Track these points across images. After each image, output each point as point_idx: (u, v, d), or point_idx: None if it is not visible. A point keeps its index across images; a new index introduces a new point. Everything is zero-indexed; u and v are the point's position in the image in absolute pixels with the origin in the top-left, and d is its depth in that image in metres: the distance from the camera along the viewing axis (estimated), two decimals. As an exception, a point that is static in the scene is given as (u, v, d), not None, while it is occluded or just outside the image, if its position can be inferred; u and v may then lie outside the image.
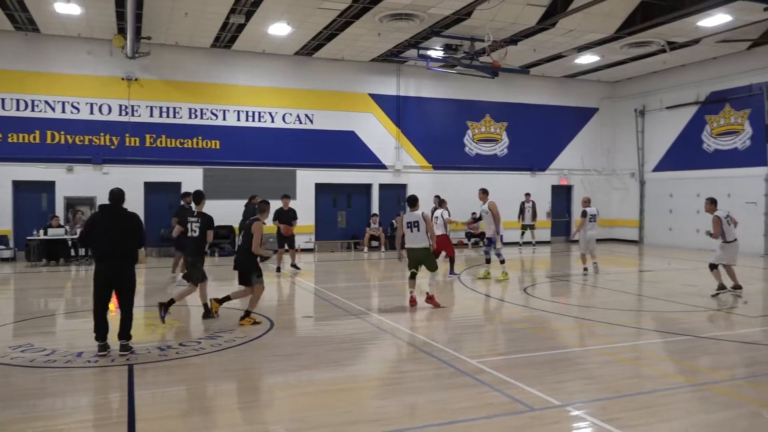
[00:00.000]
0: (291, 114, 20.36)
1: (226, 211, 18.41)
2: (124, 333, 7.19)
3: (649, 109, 23.35)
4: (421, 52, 19.16)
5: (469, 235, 22.03)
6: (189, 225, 9.56)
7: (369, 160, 21.31)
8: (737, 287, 11.54)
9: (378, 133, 21.41)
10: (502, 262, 13.39)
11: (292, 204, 15.57)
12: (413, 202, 10.57)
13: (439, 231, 12.98)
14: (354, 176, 21.12)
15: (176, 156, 19.02)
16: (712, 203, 11.79)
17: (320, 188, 20.73)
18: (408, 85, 21.79)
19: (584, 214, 14.57)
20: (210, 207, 12.90)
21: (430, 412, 5.36)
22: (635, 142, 23.79)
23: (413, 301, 10.34)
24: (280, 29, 17.21)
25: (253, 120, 19.94)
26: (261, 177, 19.64)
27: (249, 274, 8.96)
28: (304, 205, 20.04)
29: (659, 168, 23.01)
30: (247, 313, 8.95)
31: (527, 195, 21.76)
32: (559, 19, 16.01)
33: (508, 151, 23.29)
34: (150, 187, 18.79)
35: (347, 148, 20.96)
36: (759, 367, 6.88)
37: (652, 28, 16.77)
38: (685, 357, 7.26)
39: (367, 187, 21.60)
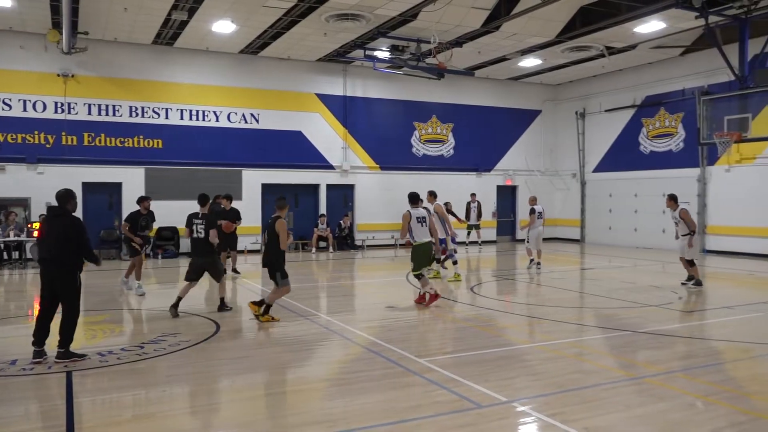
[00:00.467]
0: (236, 113, 20.06)
1: (170, 212, 17.98)
2: (62, 340, 6.93)
3: (589, 112, 24.10)
4: (368, 52, 19.21)
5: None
6: (194, 227, 9.69)
7: (316, 161, 21.21)
8: (692, 278, 12.53)
9: (325, 134, 21.33)
10: (455, 263, 13.59)
11: (237, 204, 15.43)
12: (416, 198, 10.58)
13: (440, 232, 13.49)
14: (301, 176, 20.99)
15: (116, 155, 18.45)
16: (672, 199, 12.56)
17: (267, 188, 20.50)
18: (355, 86, 21.80)
19: (533, 211, 15.45)
20: (152, 208, 12.59)
21: (379, 412, 5.38)
22: (576, 143, 24.51)
23: (437, 296, 10.39)
24: (224, 27, 16.93)
25: (197, 119, 19.55)
26: (206, 177, 19.27)
27: (274, 273, 8.97)
28: (251, 206, 19.78)
29: (599, 169, 23.77)
30: (267, 308, 9.02)
31: (473, 195, 22.11)
32: (503, 23, 16.33)
33: (454, 151, 23.59)
34: (89, 188, 18.15)
35: (294, 148, 20.80)
36: (693, 360, 7.20)
37: (591, 33, 17.32)
38: (625, 351, 7.52)
39: (315, 188, 21.50)
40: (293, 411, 5.46)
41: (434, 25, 16.37)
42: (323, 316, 9.75)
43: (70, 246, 6.91)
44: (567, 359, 7.14)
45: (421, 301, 10.48)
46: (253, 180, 20.16)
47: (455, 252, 13.83)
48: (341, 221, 21.35)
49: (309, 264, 18.02)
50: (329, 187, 21.55)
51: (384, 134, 22.30)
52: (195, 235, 9.64)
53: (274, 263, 9.01)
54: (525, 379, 6.40)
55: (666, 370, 6.65)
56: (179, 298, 9.56)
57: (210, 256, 9.68)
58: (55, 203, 7.22)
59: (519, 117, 24.84)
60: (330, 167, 21.46)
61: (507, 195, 24.87)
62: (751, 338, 8.19)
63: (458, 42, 18.01)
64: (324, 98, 21.32)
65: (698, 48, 19.11)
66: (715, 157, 18.89)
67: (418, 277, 10.41)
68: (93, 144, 18.21)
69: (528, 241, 15.69)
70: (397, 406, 5.52)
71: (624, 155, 22.64)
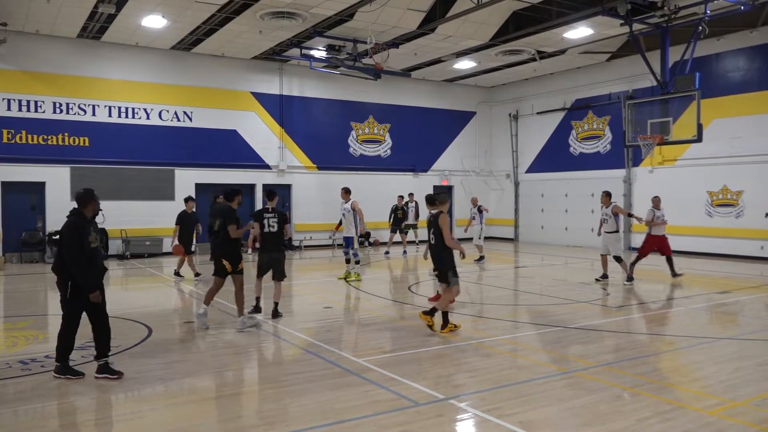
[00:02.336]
0: (168, 111, 19.50)
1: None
2: (100, 349, 6.47)
3: (522, 114, 24.76)
4: (304, 51, 19.08)
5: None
6: (266, 221, 9.52)
7: (252, 160, 20.89)
8: (606, 276, 13.06)
9: (261, 133, 21.05)
10: (357, 263, 13.66)
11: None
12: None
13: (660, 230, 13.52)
14: (237, 176, 20.60)
15: (39, 153, 17.58)
16: (607, 195, 13.25)
17: (201, 188, 20.00)
18: (291, 85, 21.61)
19: (481, 210, 17.13)
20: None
21: (318, 413, 5.35)
22: (510, 144, 25.12)
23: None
24: (154, 21, 16.42)
25: (127, 116, 18.88)
26: (136, 176, 18.66)
27: (446, 272, 8.47)
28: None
29: (531, 170, 24.46)
30: (445, 318, 8.44)
31: (410, 195, 22.29)
32: (438, 25, 16.55)
33: (391, 152, 23.74)
34: (9, 188, 17.24)
35: (229, 147, 20.42)
36: (620, 353, 7.51)
37: (523, 38, 17.80)
38: (556, 347, 7.77)
39: (251, 187, 21.16)
40: (231, 415, 5.36)
41: (370, 26, 16.41)
42: (260, 317, 9.62)
43: (64, 254, 6.29)
44: (502, 356, 7.31)
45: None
46: (187, 179, 19.64)
47: (359, 253, 13.87)
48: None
49: (245, 265, 17.68)
50: (266, 186, 21.25)
51: (321, 134, 22.20)
52: (267, 229, 9.52)
53: (444, 261, 8.47)
54: (462, 376, 6.51)
55: (595, 364, 6.91)
56: (257, 299, 9.71)
57: (280, 251, 9.56)
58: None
59: (455, 118, 25.25)
60: (266, 167, 21.19)
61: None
62: (674, 331, 8.62)
63: (394, 43, 18.13)
64: (260, 97, 21.03)
65: (623, 54, 19.96)
66: (639, 159, 19.78)
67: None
68: (13, 141, 17.29)
69: (481, 239, 17.19)
70: (335, 407, 5.51)
71: (555, 156, 23.39)
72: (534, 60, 20.65)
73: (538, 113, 23.98)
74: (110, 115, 18.64)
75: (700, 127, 14.23)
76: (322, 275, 15.22)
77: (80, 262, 6.17)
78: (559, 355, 7.39)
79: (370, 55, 17.38)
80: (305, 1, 14.82)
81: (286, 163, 21.45)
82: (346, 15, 15.93)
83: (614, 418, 5.22)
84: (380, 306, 10.91)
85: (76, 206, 6.48)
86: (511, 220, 25.26)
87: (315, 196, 21.88)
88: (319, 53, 19.20)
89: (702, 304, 10.79)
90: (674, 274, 13.42)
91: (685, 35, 15.63)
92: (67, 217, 6.42)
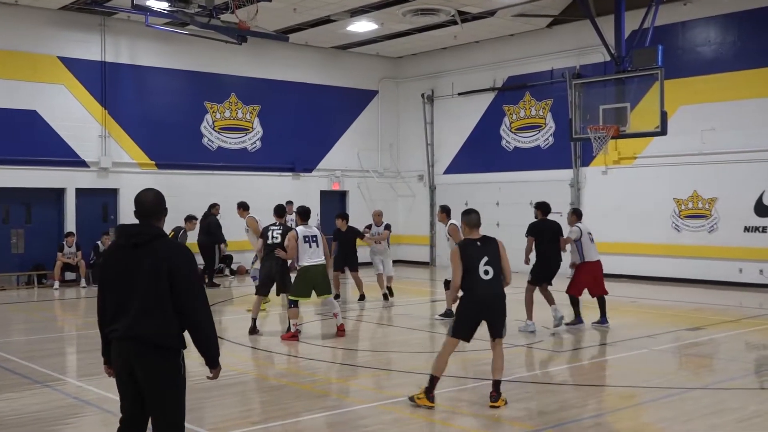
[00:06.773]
0: (-68, 81, 18.47)
1: None
2: None
3: (439, 95, 25.34)
4: (137, 1, 18.61)
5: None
6: (269, 233, 12.57)
7: (60, 154, 20.08)
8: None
9: (73, 115, 20.31)
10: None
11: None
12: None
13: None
14: (37, 177, 19.72)
15: None
16: (444, 211, 13.86)
17: (-18, 195, 19.04)
18: (119, 48, 21.03)
19: (389, 227, 16.71)
20: None
21: None
22: (423, 136, 25.60)
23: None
24: None
25: None
26: None
27: (504, 323, 8.22)
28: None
29: (452, 170, 25.01)
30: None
31: (289, 204, 22.20)
32: (326, -29, 16.69)
33: (262, 144, 23.59)
34: None
35: (25, 136, 19.54)
36: (567, 412, 7.80)
37: (440, -7, 18.28)
38: (485, 407, 7.96)
39: (59, 193, 20.35)
40: None
41: (233, -31, 16.31)
42: (72, 381, 9.25)
43: (166, 305, 4.81)
44: (415, 421, 7.41)
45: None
46: (-39, 182, 18.64)
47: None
48: (99, 242, 20.36)
49: (50, 305, 16.99)
50: (81, 192, 20.51)
51: (162, 118, 21.71)
52: (270, 241, 12.47)
53: (505, 307, 7.96)
54: (360, 451, 6.53)
55: (535, 428, 7.14)
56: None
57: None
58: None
59: (349, 99, 25.45)
60: (82, 164, 20.43)
61: (334, 203, 25.26)
62: (635, 381, 9.07)
63: (266, -6, 18.09)
64: (72, 64, 20.30)
65: (569, 19, 20.86)
66: (590, 156, 20.62)
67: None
68: None
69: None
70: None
71: (483, 152, 24.03)
72: (455, 23, 21.21)
73: (460, 94, 24.62)
74: None
75: (664, 116, 14.99)
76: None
77: (210, 315, 5.03)
78: (488, 418, 7.57)
79: (232, 10, 17.23)
80: (139, -68, 14.52)
81: (111, 158, 20.78)
82: (197, -47, 15.75)
83: (561, 499, 5.41)
84: (247, 358, 10.76)
85: (140, 222, 5.15)
86: (426, 237, 25.69)
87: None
88: (159, 4, 18.81)
89: (668, 344, 11.42)
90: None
91: (644, -3, 16.55)
92: (143, 245, 4.96)
